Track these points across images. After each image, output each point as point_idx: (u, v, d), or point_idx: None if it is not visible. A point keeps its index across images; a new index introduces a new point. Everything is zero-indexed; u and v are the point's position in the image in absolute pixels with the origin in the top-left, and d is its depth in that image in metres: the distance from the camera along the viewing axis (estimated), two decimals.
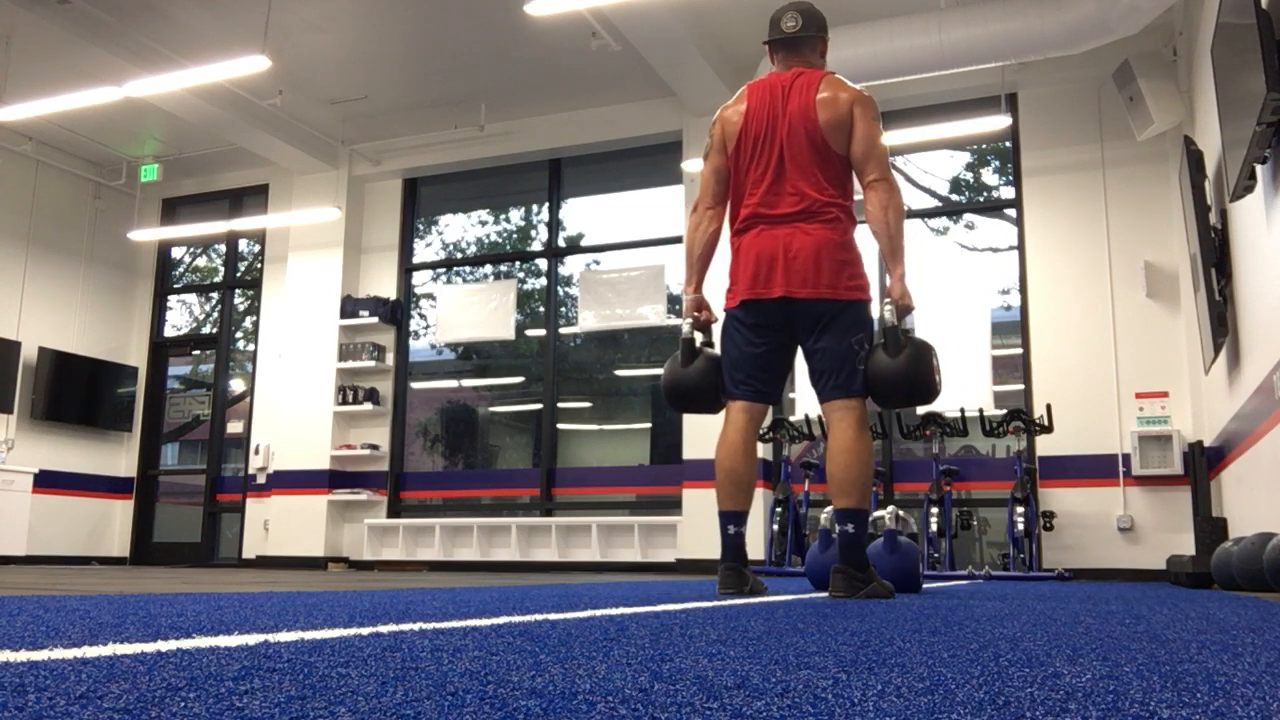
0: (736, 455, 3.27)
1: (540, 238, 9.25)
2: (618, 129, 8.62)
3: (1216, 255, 5.27)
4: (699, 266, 3.46)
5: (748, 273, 3.25)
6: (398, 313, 9.22)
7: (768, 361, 3.30)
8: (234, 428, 9.90)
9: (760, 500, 7.38)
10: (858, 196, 3.31)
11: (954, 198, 8.14)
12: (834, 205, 3.23)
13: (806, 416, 7.06)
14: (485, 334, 9.00)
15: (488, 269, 9.42)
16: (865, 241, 3.34)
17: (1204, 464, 6.45)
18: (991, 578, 6.19)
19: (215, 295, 10.35)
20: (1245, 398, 4.91)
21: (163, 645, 1.23)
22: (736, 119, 3.37)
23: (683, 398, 3.44)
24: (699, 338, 3.48)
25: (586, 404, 8.98)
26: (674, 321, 8.27)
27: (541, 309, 9.02)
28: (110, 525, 9.89)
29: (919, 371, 3.12)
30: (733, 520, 3.24)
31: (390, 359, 9.17)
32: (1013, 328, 7.55)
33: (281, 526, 8.95)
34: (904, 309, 3.19)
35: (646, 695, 0.86)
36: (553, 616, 1.92)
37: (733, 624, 1.76)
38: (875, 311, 3.29)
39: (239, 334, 10.22)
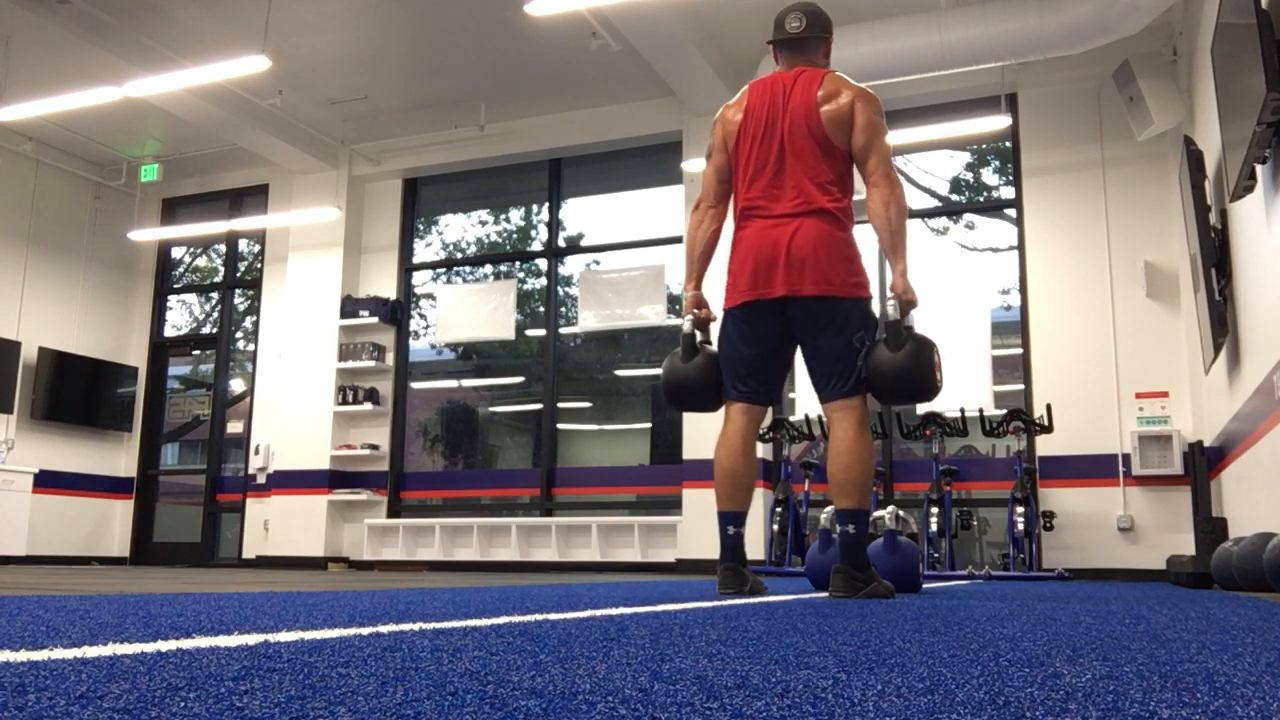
0: (736, 456, 3.26)
1: (540, 238, 9.25)
2: (618, 129, 8.62)
3: (1216, 255, 5.27)
4: (699, 264, 3.46)
5: (747, 271, 3.23)
6: (398, 313, 9.22)
7: (766, 363, 3.29)
8: (234, 428, 9.90)
9: (760, 500, 7.38)
10: (859, 196, 3.30)
11: (954, 198, 8.14)
12: (835, 202, 3.22)
13: (806, 416, 7.06)
14: (485, 334, 9.00)
15: (488, 269, 9.42)
16: (865, 239, 3.33)
17: (1204, 464, 6.45)
18: (991, 578, 6.19)
19: (215, 295, 10.35)
20: (1245, 398, 4.91)
21: (163, 645, 1.23)
22: (737, 117, 3.38)
23: (683, 395, 3.43)
24: (698, 335, 3.48)
25: (586, 404, 8.98)
26: (674, 321, 8.26)
27: (541, 309, 9.02)
28: (110, 525, 9.89)
29: (920, 368, 3.10)
30: (732, 521, 3.24)
31: (390, 359, 9.17)
32: (1013, 328, 7.55)
33: (281, 526, 8.95)
34: (907, 304, 3.18)
35: (646, 695, 0.86)
36: (553, 616, 1.92)
37: (733, 624, 1.76)
38: (876, 308, 3.28)
39: (239, 334, 10.22)
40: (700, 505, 7.43)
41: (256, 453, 9.36)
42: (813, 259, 3.14)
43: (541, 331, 8.94)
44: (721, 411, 3.40)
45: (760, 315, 3.23)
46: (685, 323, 3.44)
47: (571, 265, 9.06)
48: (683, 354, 3.41)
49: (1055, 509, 6.93)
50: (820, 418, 6.91)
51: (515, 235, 9.56)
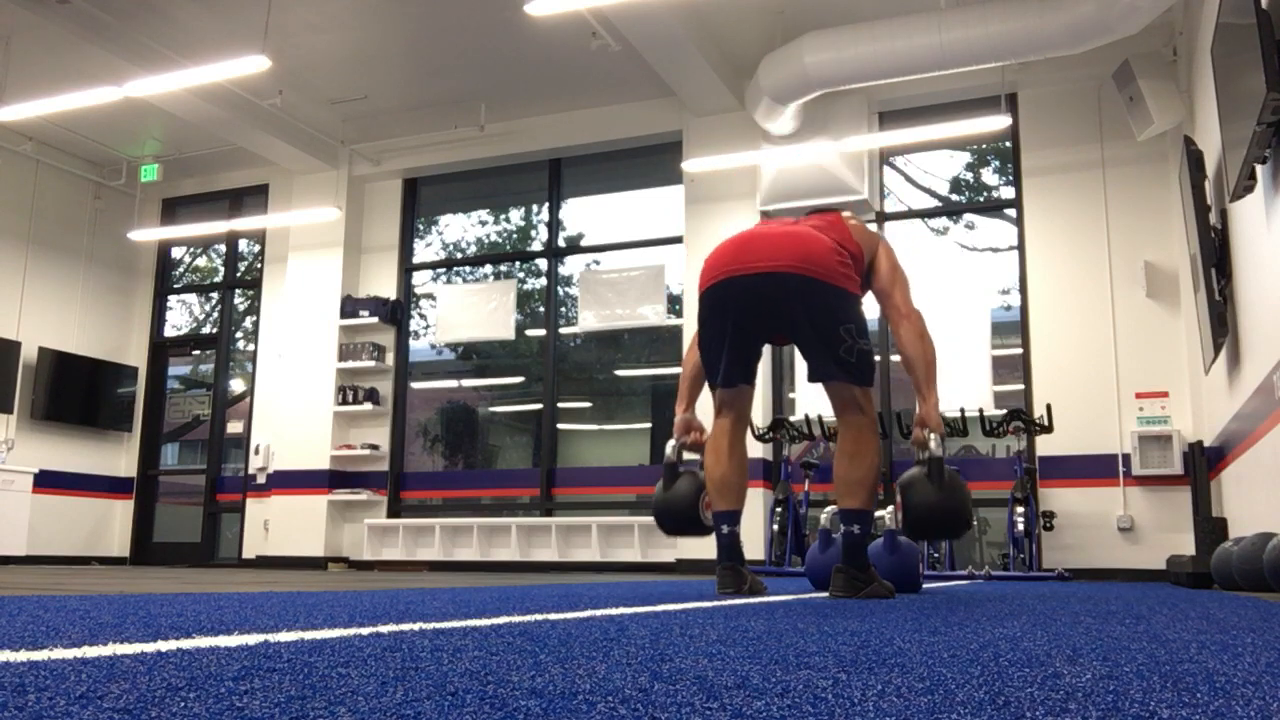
0: (722, 460, 3.27)
1: (540, 238, 9.25)
2: (618, 129, 8.62)
3: (1216, 255, 5.26)
4: (689, 388, 3.51)
5: (726, 252, 3.19)
6: (398, 313, 9.22)
7: (740, 338, 3.23)
8: (234, 428, 9.90)
9: (760, 500, 7.38)
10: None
11: (954, 198, 8.14)
12: (833, 232, 3.22)
13: (806, 416, 7.06)
14: (485, 334, 9.00)
15: (488, 269, 9.42)
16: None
17: (1204, 464, 6.45)
18: (991, 578, 6.19)
19: (215, 295, 10.35)
20: (1245, 398, 4.91)
21: (163, 645, 1.23)
22: None
23: (669, 520, 3.47)
24: (690, 456, 3.50)
25: (586, 404, 8.98)
26: (674, 321, 8.27)
27: (541, 309, 9.02)
28: (110, 525, 9.89)
29: (960, 505, 3.16)
30: (726, 520, 3.24)
31: (390, 359, 9.17)
32: (1013, 328, 7.55)
33: (281, 526, 8.95)
34: (941, 437, 3.21)
35: (646, 695, 0.86)
36: (553, 616, 1.92)
37: (733, 624, 1.76)
38: (863, 304, 3.27)
39: (239, 334, 10.22)
40: None
41: (256, 453, 9.36)
42: (800, 244, 3.11)
43: (541, 331, 8.94)
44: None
45: (736, 290, 3.14)
46: (668, 448, 3.50)
47: (571, 265, 9.06)
48: (664, 481, 3.46)
49: (1055, 509, 6.93)
50: (820, 417, 6.92)
51: (515, 235, 9.56)
